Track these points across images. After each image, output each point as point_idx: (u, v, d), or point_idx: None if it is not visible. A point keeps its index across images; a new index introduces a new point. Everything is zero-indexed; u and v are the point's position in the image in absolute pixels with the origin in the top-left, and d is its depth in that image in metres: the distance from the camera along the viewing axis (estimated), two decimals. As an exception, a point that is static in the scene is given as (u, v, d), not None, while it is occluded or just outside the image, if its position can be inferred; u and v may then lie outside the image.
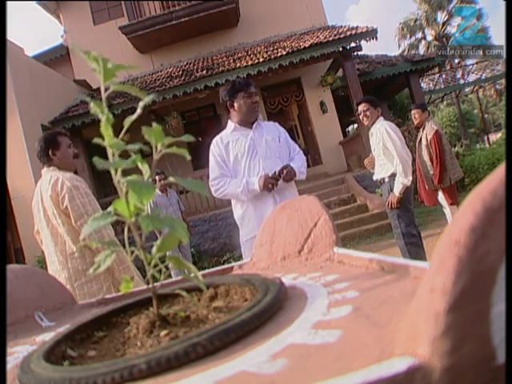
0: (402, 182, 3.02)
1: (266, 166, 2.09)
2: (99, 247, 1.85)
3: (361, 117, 3.29)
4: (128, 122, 0.44)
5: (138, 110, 0.44)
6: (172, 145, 0.45)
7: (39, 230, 2.07)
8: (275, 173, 2.04)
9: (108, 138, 0.43)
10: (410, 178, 3.01)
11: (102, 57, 0.43)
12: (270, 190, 2.04)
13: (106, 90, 0.44)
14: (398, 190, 3.05)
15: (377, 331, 0.31)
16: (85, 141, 8.31)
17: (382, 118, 3.24)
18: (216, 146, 2.17)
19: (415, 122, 4.18)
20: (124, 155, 0.43)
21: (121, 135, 0.45)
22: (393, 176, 3.13)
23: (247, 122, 2.17)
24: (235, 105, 2.14)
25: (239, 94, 2.11)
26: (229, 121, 2.24)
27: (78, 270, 1.90)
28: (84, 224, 1.71)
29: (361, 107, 3.28)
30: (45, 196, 1.94)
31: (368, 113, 3.23)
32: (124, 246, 0.44)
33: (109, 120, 0.43)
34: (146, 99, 0.43)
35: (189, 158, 0.46)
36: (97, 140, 0.43)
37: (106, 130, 0.42)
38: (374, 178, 3.39)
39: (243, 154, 2.12)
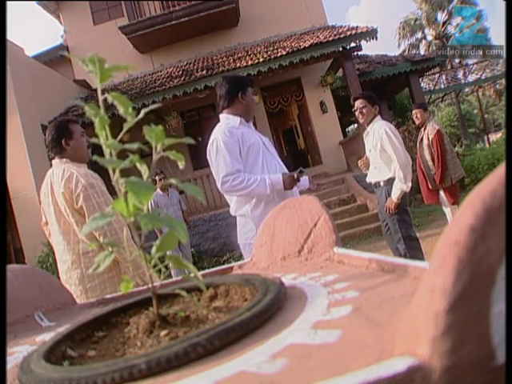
0: (400, 187, 2.89)
1: (277, 163, 2.07)
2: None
3: (356, 113, 3.10)
4: (128, 124, 0.44)
5: (141, 114, 0.43)
6: (171, 148, 0.45)
7: (48, 223, 1.96)
8: (295, 174, 1.98)
9: (103, 139, 0.43)
10: (410, 185, 2.89)
11: (99, 57, 0.43)
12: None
13: (102, 91, 0.44)
14: (396, 195, 2.92)
15: (377, 331, 0.31)
16: (85, 141, 8.30)
17: (379, 118, 3.06)
18: (230, 137, 1.94)
19: (417, 122, 4.13)
20: (124, 155, 0.43)
21: (119, 136, 0.45)
22: (389, 181, 2.99)
23: (248, 119, 2.10)
24: (245, 98, 2.04)
25: (249, 88, 2.07)
26: (227, 114, 2.06)
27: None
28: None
29: (357, 103, 3.09)
30: (56, 191, 1.82)
31: (364, 110, 3.04)
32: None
33: (103, 121, 0.42)
34: (150, 107, 0.43)
35: (181, 166, 0.45)
36: (94, 140, 0.43)
37: (100, 130, 0.42)
38: (368, 180, 3.26)
39: (259, 148, 2.01)
